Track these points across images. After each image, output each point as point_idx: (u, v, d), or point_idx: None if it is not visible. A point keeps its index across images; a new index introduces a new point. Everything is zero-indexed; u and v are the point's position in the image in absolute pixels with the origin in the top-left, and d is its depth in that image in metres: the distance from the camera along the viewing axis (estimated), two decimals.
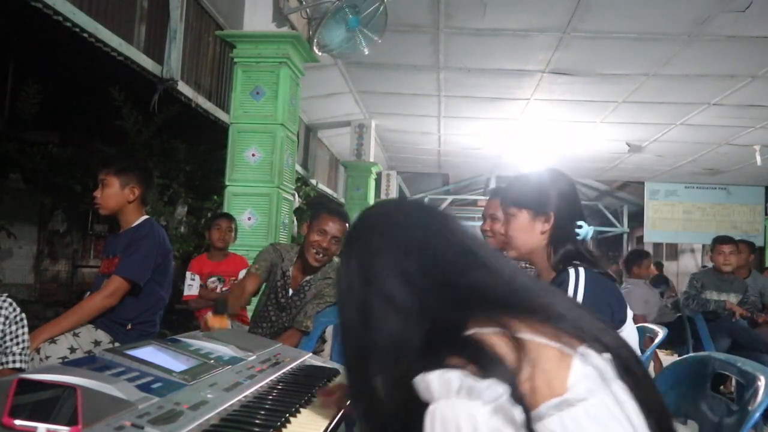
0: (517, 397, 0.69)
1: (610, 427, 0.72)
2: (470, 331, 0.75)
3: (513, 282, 0.84)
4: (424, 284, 0.83)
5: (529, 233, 1.55)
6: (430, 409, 0.70)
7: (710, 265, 4.42)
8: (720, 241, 4.21)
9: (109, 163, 2.31)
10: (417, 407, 0.73)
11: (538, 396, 0.70)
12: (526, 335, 0.74)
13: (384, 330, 0.82)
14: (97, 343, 2.14)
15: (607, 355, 0.77)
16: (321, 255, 2.44)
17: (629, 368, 0.78)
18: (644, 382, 0.79)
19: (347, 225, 2.52)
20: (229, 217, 3.54)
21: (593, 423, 0.71)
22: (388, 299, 0.83)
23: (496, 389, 0.68)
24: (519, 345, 0.73)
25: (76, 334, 2.10)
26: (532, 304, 0.80)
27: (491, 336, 0.74)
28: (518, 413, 0.68)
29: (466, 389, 0.68)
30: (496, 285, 0.83)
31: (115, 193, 2.29)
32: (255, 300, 2.70)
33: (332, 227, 2.44)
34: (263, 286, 2.61)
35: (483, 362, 0.70)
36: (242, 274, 3.43)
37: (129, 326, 2.24)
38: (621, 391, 0.75)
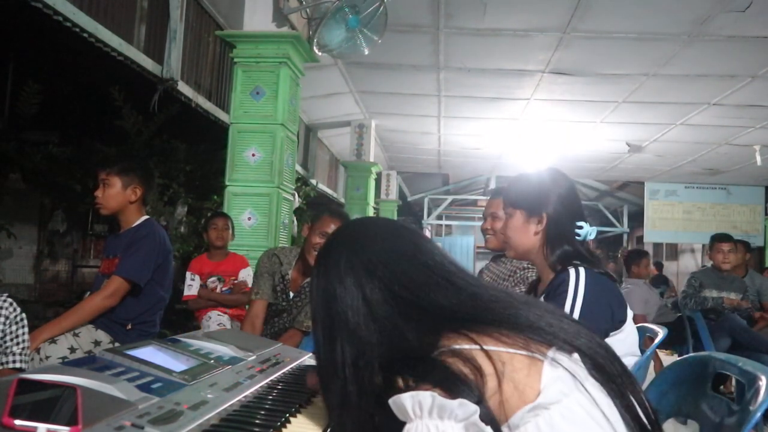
0: (485, 413, 0.70)
1: (587, 426, 0.73)
2: (435, 352, 0.76)
3: (479, 296, 0.85)
4: (385, 306, 0.84)
5: (524, 233, 1.55)
6: (405, 429, 0.71)
7: (710, 264, 4.42)
8: (719, 239, 4.21)
9: (111, 163, 2.31)
10: (388, 421, 0.74)
11: (510, 405, 0.72)
12: (494, 347, 0.75)
13: (344, 352, 0.83)
14: (97, 343, 2.14)
15: (576, 356, 0.78)
16: None
17: (601, 366, 0.79)
18: (621, 378, 0.80)
19: None
20: (225, 216, 3.55)
21: (569, 424, 0.72)
22: (345, 321, 0.84)
23: (467, 407, 0.69)
24: (488, 357, 0.74)
25: (76, 334, 2.10)
26: (499, 316, 0.81)
27: (457, 353, 0.75)
28: (489, 428, 0.70)
29: (437, 409, 0.70)
30: (462, 301, 0.84)
31: (116, 193, 2.29)
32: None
33: (334, 229, 2.43)
34: None
35: (447, 384, 0.71)
36: (242, 273, 3.43)
37: (129, 326, 2.24)
38: (594, 389, 0.76)
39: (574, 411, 0.73)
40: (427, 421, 0.70)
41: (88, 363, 1.03)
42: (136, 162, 2.43)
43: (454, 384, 0.71)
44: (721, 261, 4.15)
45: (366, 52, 3.78)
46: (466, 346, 0.75)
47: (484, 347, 0.75)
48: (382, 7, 3.60)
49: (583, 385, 0.75)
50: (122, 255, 2.23)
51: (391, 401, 0.73)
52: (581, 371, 0.77)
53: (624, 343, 1.46)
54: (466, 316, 0.81)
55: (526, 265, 2.23)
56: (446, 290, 0.85)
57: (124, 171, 2.31)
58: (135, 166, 2.36)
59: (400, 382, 0.74)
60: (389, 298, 0.84)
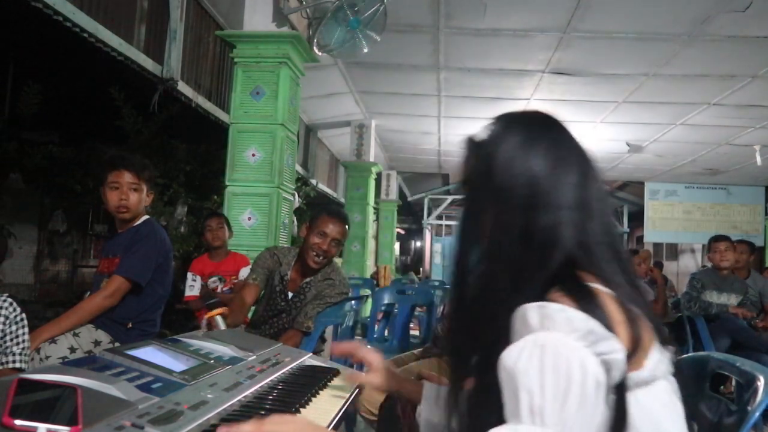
0: (625, 360, 0.69)
1: (673, 413, 0.75)
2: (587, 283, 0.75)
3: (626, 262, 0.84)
4: (563, 208, 0.79)
5: None
6: (538, 337, 0.69)
7: (710, 265, 4.42)
8: (715, 239, 4.24)
9: (140, 168, 2.29)
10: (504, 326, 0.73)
11: (629, 365, 0.72)
12: (634, 308, 0.76)
13: (519, 230, 0.79)
14: (97, 343, 2.14)
15: (668, 353, 0.79)
16: (320, 258, 2.42)
17: (679, 369, 0.81)
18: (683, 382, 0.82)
19: (347, 227, 2.50)
20: (218, 215, 3.55)
21: (661, 406, 0.74)
22: (547, 195, 0.80)
23: (611, 343, 0.69)
24: (629, 313, 0.74)
25: (76, 334, 2.10)
26: (636, 286, 0.81)
27: (606, 294, 0.75)
28: (614, 376, 0.69)
29: (584, 332, 0.69)
30: (613, 256, 0.81)
31: (143, 198, 2.31)
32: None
33: (332, 229, 2.41)
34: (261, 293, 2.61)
35: (596, 313, 0.71)
36: (243, 273, 3.43)
37: (129, 325, 2.24)
38: (673, 386, 0.78)
39: (664, 395, 0.76)
40: (571, 340, 0.68)
41: (88, 363, 1.04)
42: (152, 167, 2.44)
43: (602, 316, 0.71)
44: (718, 260, 4.17)
45: (365, 50, 3.78)
46: (612, 293, 0.75)
47: (626, 306, 0.75)
48: (382, 7, 3.60)
49: (667, 378, 0.77)
50: (123, 255, 2.23)
51: (527, 306, 0.71)
52: (669, 365, 0.78)
53: None
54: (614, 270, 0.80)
55: None
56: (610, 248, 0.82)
57: (150, 178, 2.34)
58: (152, 172, 2.39)
59: (555, 295, 0.73)
60: (569, 204, 0.80)
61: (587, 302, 0.72)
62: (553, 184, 0.80)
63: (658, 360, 0.76)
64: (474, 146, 0.89)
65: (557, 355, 0.67)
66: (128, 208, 2.26)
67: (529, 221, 0.79)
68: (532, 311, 0.71)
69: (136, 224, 2.32)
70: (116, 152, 2.36)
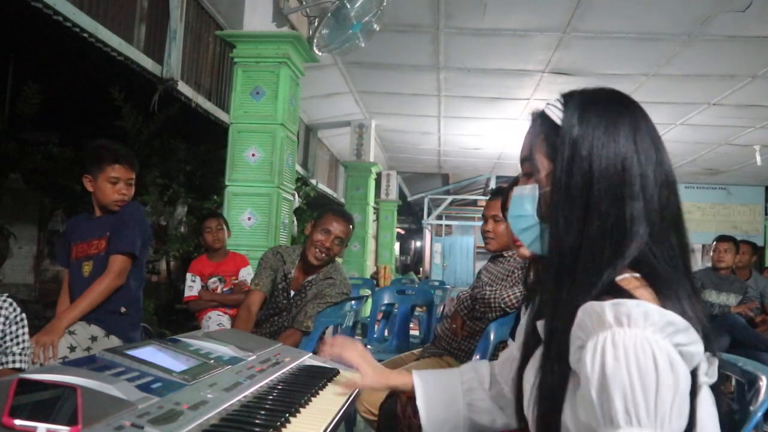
0: (702, 352, 0.69)
1: (714, 422, 0.76)
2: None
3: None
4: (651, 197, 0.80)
5: None
6: (617, 336, 0.68)
7: (709, 264, 4.44)
8: (718, 239, 4.28)
9: (135, 163, 2.31)
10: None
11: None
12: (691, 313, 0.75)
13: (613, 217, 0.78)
14: (93, 338, 2.15)
15: (715, 360, 0.78)
16: (323, 254, 2.44)
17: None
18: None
19: (351, 227, 2.53)
20: (217, 216, 3.54)
21: (705, 413, 0.74)
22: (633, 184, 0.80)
23: (690, 335, 0.69)
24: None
25: (71, 332, 2.10)
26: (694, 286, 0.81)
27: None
28: (693, 367, 0.69)
29: (662, 324, 0.68)
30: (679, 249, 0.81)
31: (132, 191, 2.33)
32: None
33: (336, 227, 2.45)
34: None
35: (673, 304, 0.71)
36: (242, 273, 3.43)
37: (123, 309, 2.24)
38: (712, 394, 0.78)
39: (708, 402, 0.75)
40: (648, 333, 0.67)
41: (88, 363, 1.03)
42: None
43: (689, 315, 0.71)
44: (716, 260, 4.21)
45: (363, 45, 3.75)
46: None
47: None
48: (384, 3, 3.57)
49: (710, 384, 0.77)
50: (113, 233, 2.24)
51: (609, 304, 0.70)
52: (714, 372, 0.78)
53: None
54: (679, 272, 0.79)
55: (524, 265, 2.23)
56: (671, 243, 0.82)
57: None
58: None
59: (631, 282, 0.74)
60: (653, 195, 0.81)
61: (667, 292, 0.72)
62: (639, 172, 0.80)
63: (707, 367, 0.75)
64: (550, 127, 0.87)
65: (641, 351, 0.66)
66: (125, 203, 2.28)
67: (619, 211, 0.79)
68: (607, 308, 0.70)
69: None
70: (108, 143, 2.34)
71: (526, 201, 0.89)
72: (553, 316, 0.79)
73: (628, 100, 0.88)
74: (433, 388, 1.14)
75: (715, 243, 4.26)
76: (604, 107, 0.85)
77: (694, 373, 0.70)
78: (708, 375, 0.75)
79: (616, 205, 0.79)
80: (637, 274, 0.76)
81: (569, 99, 0.89)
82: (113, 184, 2.25)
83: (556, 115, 0.87)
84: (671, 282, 0.75)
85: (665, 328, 0.68)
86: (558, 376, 0.76)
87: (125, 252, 2.21)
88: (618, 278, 0.76)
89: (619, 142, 0.81)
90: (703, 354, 0.73)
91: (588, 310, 0.72)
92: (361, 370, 1.23)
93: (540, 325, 0.85)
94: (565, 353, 0.74)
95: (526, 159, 0.90)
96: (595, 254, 0.77)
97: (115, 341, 2.17)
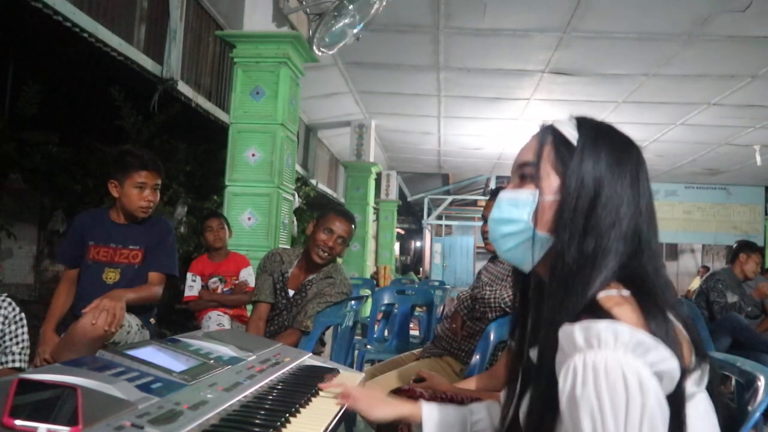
0: (678, 368, 0.69)
1: (709, 425, 0.76)
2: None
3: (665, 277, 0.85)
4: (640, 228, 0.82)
5: None
6: (587, 359, 0.69)
7: (728, 266, 4.38)
8: (751, 248, 4.20)
9: (161, 169, 2.33)
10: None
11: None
12: (677, 323, 0.76)
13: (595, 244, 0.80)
14: (140, 326, 2.19)
15: (707, 365, 0.78)
16: (325, 253, 2.45)
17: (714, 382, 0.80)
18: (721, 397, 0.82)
19: (353, 227, 2.55)
20: (218, 216, 3.54)
21: (697, 418, 0.74)
22: (614, 215, 0.81)
23: (661, 352, 0.69)
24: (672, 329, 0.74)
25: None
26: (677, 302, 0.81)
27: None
28: (666, 386, 0.69)
29: (633, 344, 0.68)
30: (656, 269, 0.83)
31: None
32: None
33: (339, 227, 2.46)
34: None
35: (655, 325, 0.71)
36: (243, 273, 3.43)
37: (152, 321, 2.31)
38: (708, 397, 0.78)
39: (701, 407, 0.76)
40: (619, 354, 0.68)
41: (88, 363, 1.04)
42: None
43: (665, 330, 0.71)
44: (748, 271, 4.15)
45: (359, 37, 3.72)
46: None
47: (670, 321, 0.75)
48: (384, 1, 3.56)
49: (703, 392, 0.77)
50: (153, 250, 2.28)
51: (576, 326, 0.71)
52: (705, 376, 0.78)
53: None
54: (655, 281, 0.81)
55: None
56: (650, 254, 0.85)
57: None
58: None
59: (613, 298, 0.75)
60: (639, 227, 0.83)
61: (652, 309, 0.73)
62: (629, 212, 0.83)
63: (699, 374, 0.76)
64: (561, 142, 0.88)
65: (610, 373, 0.67)
66: (150, 209, 2.29)
67: (604, 236, 0.81)
68: (577, 331, 0.71)
69: (150, 218, 2.34)
70: (134, 149, 2.35)
71: (521, 205, 0.87)
72: (544, 339, 0.80)
73: (632, 145, 0.91)
74: (441, 424, 1.11)
75: (746, 254, 4.17)
76: (613, 145, 0.88)
77: (679, 386, 0.70)
78: (698, 383, 0.75)
79: (608, 233, 0.81)
80: (626, 291, 0.77)
81: (583, 122, 0.90)
82: (140, 190, 2.24)
83: (570, 133, 0.88)
84: (657, 296, 0.76)
85: (636, 348, 0.68)
86: (547, 404, 0.76)
87: (168, 272, 2.29)
88: (601, 295, 0.76)
89: (619, 186, 0.84)
90: (692, 363, 0.74)
91: (563, 333, 0.73)
92: (365, 407, 1.17)
93: (533, 353, 0.86)
94: (555, 379, 0.74)
95: (529, 164, 0.89)
96: (585, 273, 0.79)
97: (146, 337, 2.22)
